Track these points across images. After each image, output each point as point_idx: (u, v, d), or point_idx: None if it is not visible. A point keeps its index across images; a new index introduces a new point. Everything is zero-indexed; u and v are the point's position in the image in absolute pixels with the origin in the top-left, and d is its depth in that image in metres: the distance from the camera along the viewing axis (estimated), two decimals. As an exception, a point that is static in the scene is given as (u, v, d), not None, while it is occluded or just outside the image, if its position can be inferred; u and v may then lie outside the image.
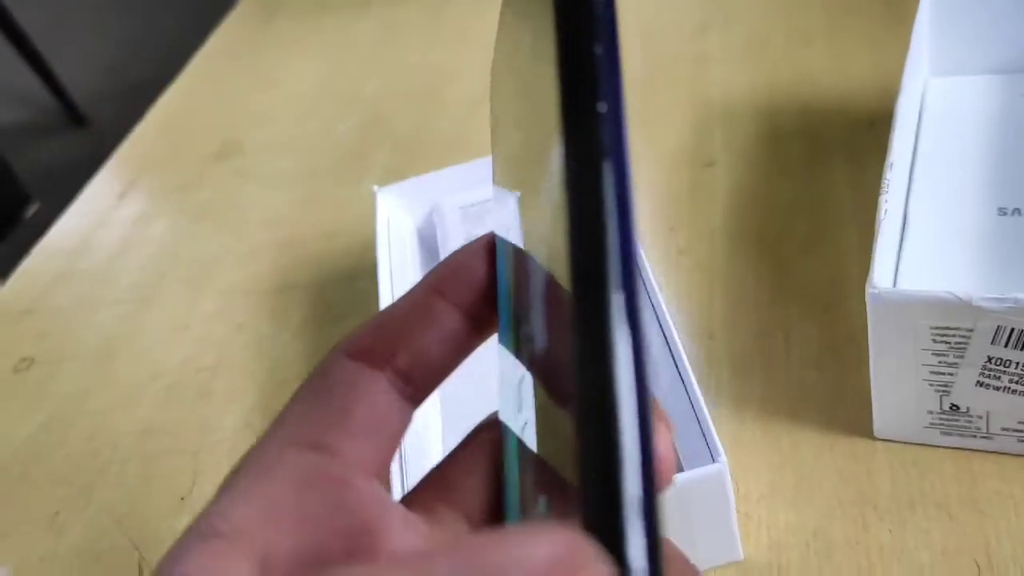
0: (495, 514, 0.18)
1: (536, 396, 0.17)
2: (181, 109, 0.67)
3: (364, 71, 0.66)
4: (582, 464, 0.12)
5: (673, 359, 0.33)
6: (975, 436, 0.32)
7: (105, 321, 0.49)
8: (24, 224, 1.14)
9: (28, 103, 1.81)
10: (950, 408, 0.31)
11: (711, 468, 0.28)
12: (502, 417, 0.18)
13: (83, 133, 1.73)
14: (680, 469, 0.30)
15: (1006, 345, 0.28)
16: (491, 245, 0.19)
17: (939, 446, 0.32)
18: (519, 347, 0.18)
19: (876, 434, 0.33)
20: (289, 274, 0.49)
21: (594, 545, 0.11)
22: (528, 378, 0.17)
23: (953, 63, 0.46)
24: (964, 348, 0.29)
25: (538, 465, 0.16)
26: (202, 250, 0.52)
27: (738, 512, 0.32)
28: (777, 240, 0.43)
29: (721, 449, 0.29)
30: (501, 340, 0.18)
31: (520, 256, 0.18)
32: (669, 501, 0.28)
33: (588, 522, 0.12)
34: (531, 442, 0.17)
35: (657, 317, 0.34)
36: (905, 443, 0.33)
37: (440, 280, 0.18)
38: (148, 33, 1.92)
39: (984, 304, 0.28)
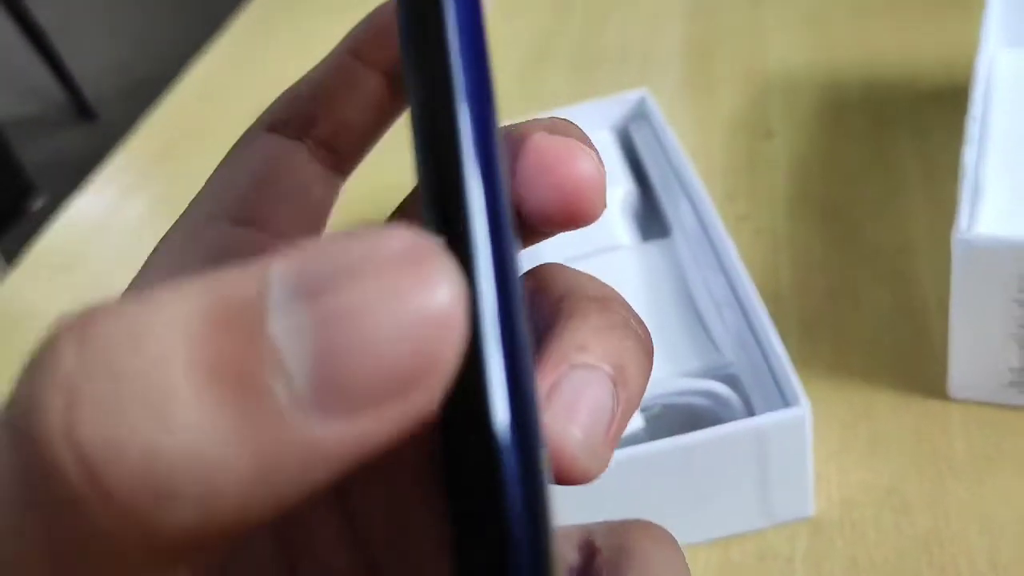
0: None
1: None
2: (217, 74, 0.67)
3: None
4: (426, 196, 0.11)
5: (741, 305, 0.32)
6: (1058, 396, 0.30)
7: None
8: (30, 216, 1.14)
9: (37, 97, 1.82)
10: (1034, 365, 0.30)
11: (790, 413, 0.27)
12: None
13: (92, 127, 1.74)
14: (752, 413, 0.29)
15: (1100, 295, 0.27)
16: None
17: (1017, 406, 0.31)
18: None
19: (951, 394, 0.32)
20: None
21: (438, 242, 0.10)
22: None
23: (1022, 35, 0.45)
24: (1054, 298, 0.28)
25: None
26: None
27: (809, 467, 0.31)
28: (842, 206, 0.42)
29: (801, 393, 0.28)
30: None
31: None
32: (741, 444, 0.27)
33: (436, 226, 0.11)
34: None
35: (723, 266, 0.33)
36: (982, 403, 0.32)
37: (358, 43, 0.17)
38: (157, 29, 1.93)
39: (1080, 250, 0.27)
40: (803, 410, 0.27)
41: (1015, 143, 0.39)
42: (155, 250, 0.16)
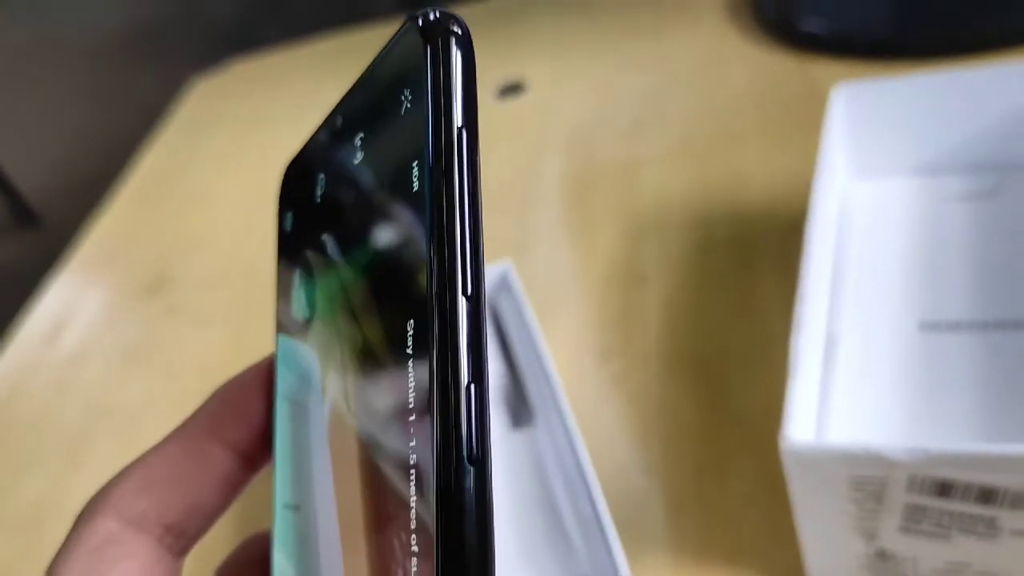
0: None
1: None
2: (114, 237, 0.67)
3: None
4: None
5: (593, 505, 0.32)
6: (908, 578, 0.31)
7: (34, 484, 0.48)
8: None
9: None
10: (878, 552, 0.30)
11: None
12: (275, 555, 0.18)
13: (35, 231, 1.72)
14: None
15: (920, 493, 0.28)
16: (267, 372, 0.18)
17: (874, 588, 0.32)
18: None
19: (811, 576, 0.33)
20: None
21: None
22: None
23: (873, 166, 0.46)
24: (882, 496, 0.29)
25: None
26: (132, 399, 0.51)
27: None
28: (713, 360, 0.43)
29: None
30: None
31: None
32: None
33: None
34: None
35: (578, 461, 0.34)
36: (841, 585, 0.32)
37: (215, 423, 0.18)
38: (95, 126, 1.92)
39: (894, 456, 0.27)
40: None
41: (866, 291, 0.41)
42: None
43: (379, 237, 0.15)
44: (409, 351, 0.13)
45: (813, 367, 0.34)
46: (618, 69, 0.67)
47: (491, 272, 0.44)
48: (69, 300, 0.62)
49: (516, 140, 0.63)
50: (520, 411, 0.40)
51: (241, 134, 0.75)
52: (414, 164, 0.13)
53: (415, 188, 0.13)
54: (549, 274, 0.51)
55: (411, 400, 0.13)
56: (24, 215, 1.75)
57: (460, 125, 0.13)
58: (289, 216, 0.19)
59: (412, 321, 0.13)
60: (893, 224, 0.44)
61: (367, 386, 0.15)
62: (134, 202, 0.70)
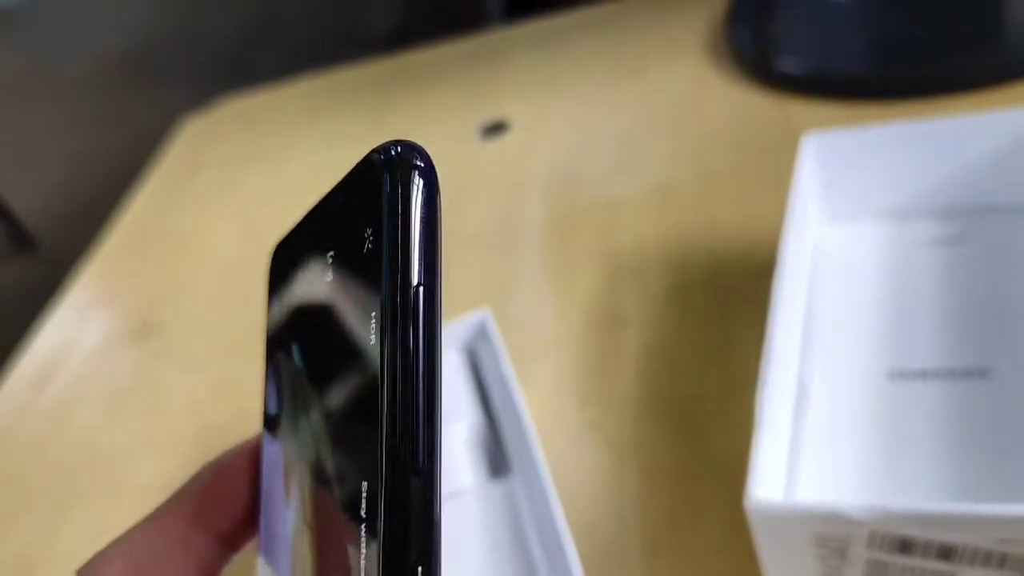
0: None
1: None
2: (104, 280, 0.68)
3: (282, 228, 0.67)
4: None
5: (565, 561, 0.33)
6: (873, 629, 0.31)
7: (23, 530, 0.49)
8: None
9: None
10: (844, 606, 0.31)
11: None
12: None
13: (32, 255, 1.73)
14: None
15: (881, 549, 0.29)
16: (254, 455, 0.18)
17: (841, 638, 0.32)
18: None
19: (780, 627, 0.33)
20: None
21: None
22: None
23: (844, 211, 0.47)
24: (845, 553, 0.29)
25: None
26: (120, 445, 0.52)
27: None
28: (688, 405, 0.43)
29: None
30: (265, 555, 0.18)
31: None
32: None
33: None
34: None
35: (551, 515, 0.34)
36: (809, 635, 0.33)
37: (200, 510, 0.18)
38: (93, 151, 1.93)
39: (855, 515, 0.28)
40: None
41: (837, 339, 0.41)
42: None
43: (339, 374, 0.14)
44: (363, 513, 0.13)
45: (782, 420, 0.35)
46: (600, 109, 0.68)
47: (469, 320, 0.45)
48: (57, 346, 0.63)
49: (498, 180, 0.64)
50: (498, 460, 0.40)
51: (230, 176, 0.76)
52: (372, 315, 0.13)
53: (372, 341, 0.13)
54: (529, 317, 0.52)
55: (363, 559, 0.13)
56: (22, 240, 1.75)
57: (417, 283, 0.13)
58: (275, 301, 0.19)
59: (365, 483, 0.13)
60: (864, 269, 0.44)
61: (320, 519, 0.15)
62: (124, 245, 0.71)
